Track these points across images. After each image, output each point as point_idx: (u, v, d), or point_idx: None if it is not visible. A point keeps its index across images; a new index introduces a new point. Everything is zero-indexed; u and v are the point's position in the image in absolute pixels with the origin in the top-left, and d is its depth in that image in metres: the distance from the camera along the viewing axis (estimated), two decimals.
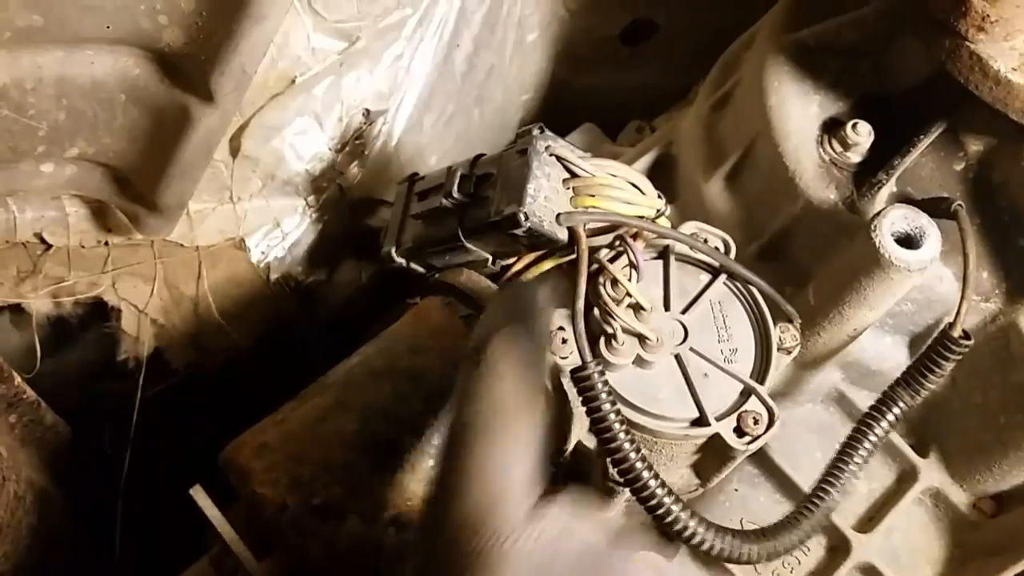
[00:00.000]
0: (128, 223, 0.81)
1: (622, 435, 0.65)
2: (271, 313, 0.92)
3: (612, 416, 0.66)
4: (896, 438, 0.89)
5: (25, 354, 0.84)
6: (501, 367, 0.53)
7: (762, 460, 0.89)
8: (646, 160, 1.02)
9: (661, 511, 0.65)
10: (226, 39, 0.64)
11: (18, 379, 0.79)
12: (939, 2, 0.67)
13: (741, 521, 0.88)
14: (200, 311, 0.87)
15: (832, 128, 0.81)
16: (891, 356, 0.86)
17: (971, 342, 0.70)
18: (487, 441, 0.52)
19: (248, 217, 0.85)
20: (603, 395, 0.66)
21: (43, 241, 0.81)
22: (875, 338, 0.85)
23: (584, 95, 1.29)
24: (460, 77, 1.01)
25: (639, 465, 0.65)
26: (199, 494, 0.64)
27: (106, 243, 0.83)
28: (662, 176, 1.02)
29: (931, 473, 0.88)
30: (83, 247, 0.83)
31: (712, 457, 0.77)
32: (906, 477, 0.90)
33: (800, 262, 0.85)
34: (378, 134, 0.92)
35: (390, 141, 0.94)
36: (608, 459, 0.66)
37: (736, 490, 0.89)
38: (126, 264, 0.83)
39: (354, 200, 0.94)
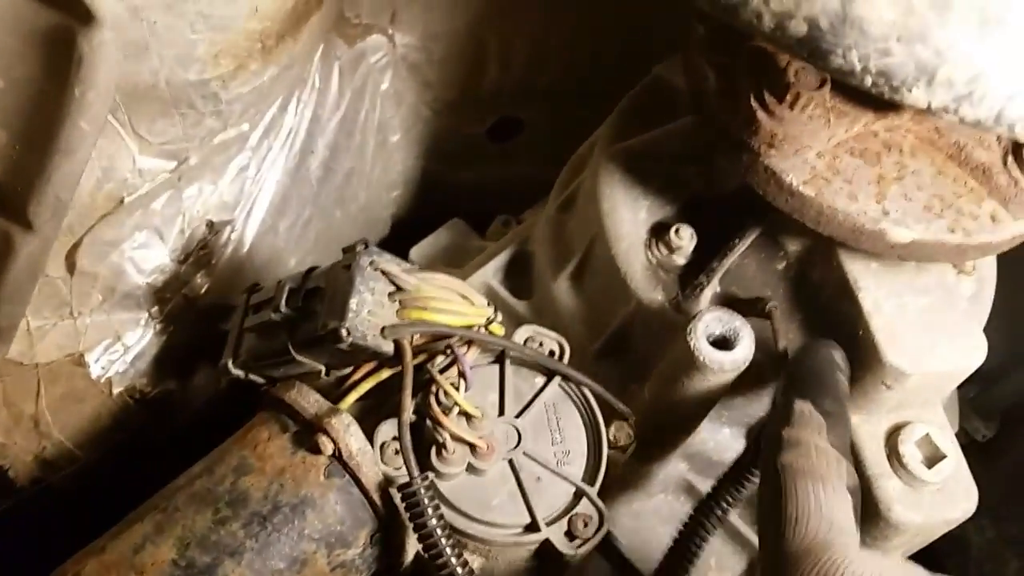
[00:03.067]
0: None
1: (448, 552, 0.66)
2: (117, 426, 0.90)
3: (438, 532, 0.66)
4: (744, 527, 0.91)
5: None
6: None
7: (612, 555, 0.90)
8: (503, 257, 1.04)
9: None
10: (39, 171, 0.65)
11: None
12: (733, 122, 0.71)
13: None
14: (41, 428, 0.86)
15: (659, 232, 0.84)
16: (731, 446, 0.88)
17: None
18: (819, 481, 0.59)
19: (88, 332, 0.85)
20: (429, 511, 0.67)
21: None
22: (713, 430, 0.87)
23: (456, 188, 1.31)
24: (316, 182, 1.03)
25: None
26: None
27: None
28: (520, 272, 1.05)
29: None
30: None
31: (549, 562, 0.78)
32: (755, 564, 0.91)
33: (639, 359, 0.87)
34: (226, 242, 0.92)
35: (241, 248, 0.95)
36: None
37: None
38: None
39: (205, 307, 0.94)
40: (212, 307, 0.95)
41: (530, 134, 1.29)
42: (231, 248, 0.93)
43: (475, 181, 1.29)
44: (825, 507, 0.57)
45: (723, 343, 0.75)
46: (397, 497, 0.69)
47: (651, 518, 0.92)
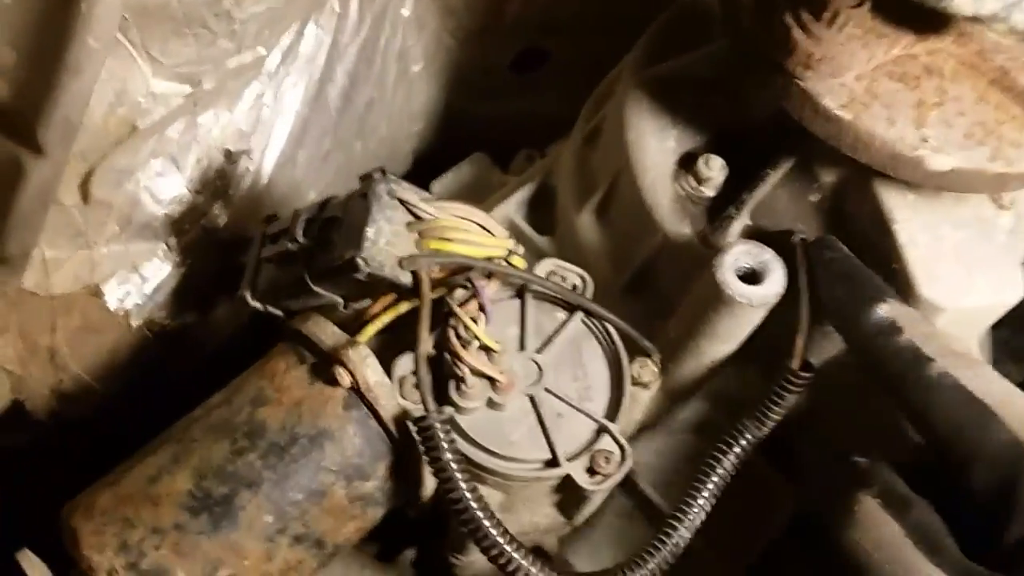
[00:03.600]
0: None
1: (463, 486, 0.65)
2: (136, 360, 0.90)
3: (452, 467, 0.65)
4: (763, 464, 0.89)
5: None
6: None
7: (635, 492, 0.89)
8: (526, 191, 1.02)
9: (505, 564, 0.65)
10: (47, 92, 0.63)
11: None
12: (769, 42, 0.68)
13: (615, 556, 0.88)
14: (57, 360, 0.85)
15: (687, 163, 0.81)
16: (755, 384, 0.86)
17: (810, 375, 0.71)
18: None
19: (105, 263, 0.83)
20: (444, 444, 0.65)
21: None
22: (739, 369, 0.85)
23: (479, 123, 1.28)
24: (336, 112, 1.00)
25: (480, 516, 0.65)
26: (25, 559, 0.63)
27: None
28: (542, 206, 1.02)
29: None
30: None
31: (570, 497, 0.77)
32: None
33: (665, 295, 0.85)
34: (244, 173, 0.90)
35: (260, 179, 0.93)
36: (455, 516, 0.66)
37: (610, 524, 0.89)
38: None
39: (224, 239, 0.92)
40: (231, 239, 0.93)
41: (555, 66, 1.25)
42: (249, 179, 0.92)
43: (498, 114, 1.26)
44: None
45: (752, 277, 0.73)
46: (413, 431, 0.68)
47: (673, 457, 0.91)
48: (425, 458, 0.66)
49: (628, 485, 0.89)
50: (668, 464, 0.91)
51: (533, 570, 0.65)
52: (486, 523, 0.64)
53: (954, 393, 0.60)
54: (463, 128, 1.26)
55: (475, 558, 0.81)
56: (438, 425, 0.66)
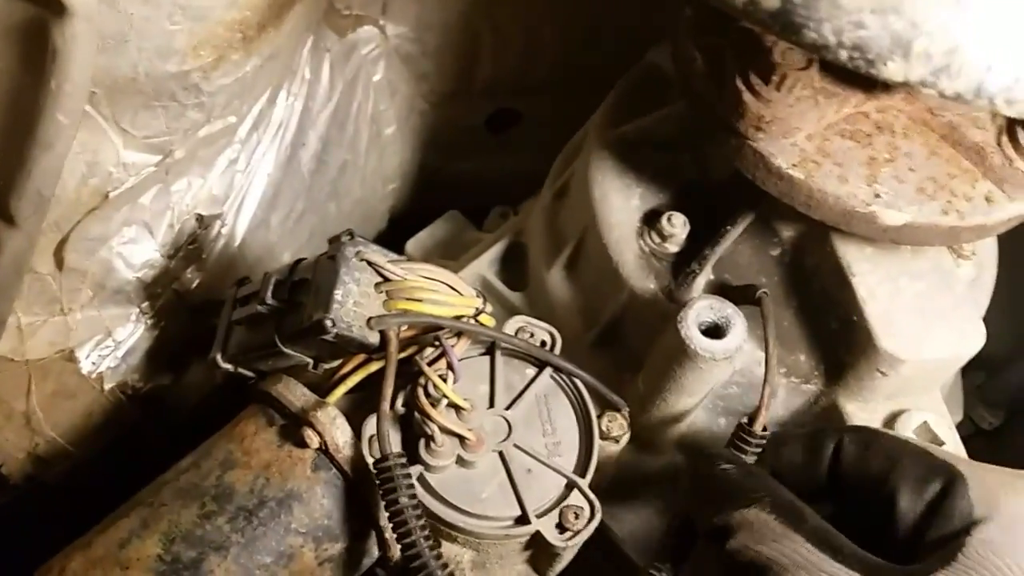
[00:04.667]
0: None
1: (417, 531, 0.65)
2: (109, 422, 0.90)
3: (408, 511, 0.65)
4: None
5: None
6: None
7: (608, 545, 0.89)
8: (498, 248, 1.04)
9: None
10: (19, 165, 0.65)
11: None
12: (721, 104, 0.70)
13: None
14: (33, 425, 0.85)
15: (651, 219, 0.83)
16: (726, 436, 0.87)
17: (766, 434, 0.71)
18: None
19: (79, 328, 0.84)
20: (402, 487, 0.65)
21: None
22: (710, 420, 0.86)
23: (454, 180, 1.30)
24: (308, 175, 1.02)
25: (434, 568, 0.64)
26: None
27: None
28: (514, 263, 1.04)
29: None
30: None
31: (541, 554, 0.77)
32: None
33: (634, 349, 0.86)
34: (216, 236, 0.92)
35: (232, 242, 0.94)
36: (407, 564, 0.65)
37: None
38: None
39: (196, 302, 0.93)
40: (203, 302, 0.94)
41: (527, 125, 1.28)
42: (222, 242, 0.93)
43: (472, 173, 1.28)
44: None
45: (715, 331, 0.74)
46: (373, 474, 0.68)
47: (646, 509, 0.91)
48: (382, 502, 0.66)
49: (601, 539, 0.89)
50: (642, 516, 0.91)
51: None
52: (434, 567, 0.64)
53: None
54: (437, 187, 1.28)
55: None
56: (396, 467, 0.66)
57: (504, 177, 1.25)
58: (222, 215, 0.91)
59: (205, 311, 0.94)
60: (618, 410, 0.80)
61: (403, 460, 0.67)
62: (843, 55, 0.48)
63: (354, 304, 0.70)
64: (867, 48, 0.46)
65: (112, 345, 0.87)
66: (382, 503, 0.67)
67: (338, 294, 0.70)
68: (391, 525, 0.65)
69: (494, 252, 1.03)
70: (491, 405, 0.77)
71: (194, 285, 0.91)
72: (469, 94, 1.20)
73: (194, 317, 0.93)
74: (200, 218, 0.89)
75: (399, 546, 0.65)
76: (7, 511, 0.92)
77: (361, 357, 0.75)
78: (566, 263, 0.92)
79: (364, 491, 0.70)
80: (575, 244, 0.91)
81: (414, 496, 0.66)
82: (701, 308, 0.74)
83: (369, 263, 0.72)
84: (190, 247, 0.89)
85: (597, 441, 0.77)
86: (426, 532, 0.65)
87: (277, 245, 1.00)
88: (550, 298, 0.93)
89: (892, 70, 0.47)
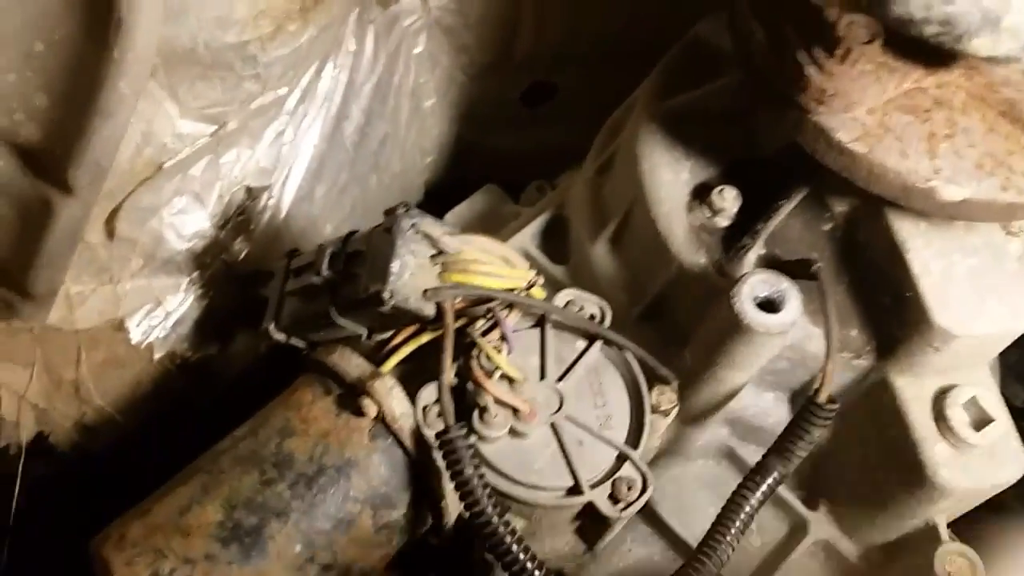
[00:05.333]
0: (3, 310, 0.80)
1: (485, 500, 0.66)
2: (158, 392, 0.91)
3: (475, 480, 0.66)
4: (786, 492, 0.90)
5: None
6: None
7: (654, 519, 0.90)
8: (540, 222, 1.03)
9: None
10: (78, 135, 0.65)
11: None
12: (782, 78, 0.70)
13: None
14: (82, 394, 0.86)
15: (702, 193, 0.83)
16: (773, 412, 0.87)
17: (836, 407, 0.71)
18: None
19: (129, 298, 0.85)
20: (466, 457, 0.66)
21: None
22: (756, 395, 0.86)
23: (490, 155, 1.30)
24: (352, 147, 1.02)
25: (504, 534, 0.65)
26: None
27: None
28: (555, 237, 1.03)
29: (821, 526, 0.89)
30: None
31: (592, 523, 0.78)
32: (797, 530, 0.90)
33: (681, 323, 0.86)
34: (264, 208, 0.92)
35: (279, 214, 0.95)
36: (476, 530, 0.66)
37: (630, 550, 0.90)
38: (4, 351, 0.82)
39: (243, 273, 0.94)
40: (250, 273, 0.94)
41: (564, 99, 1.27)
42: (268, 214, 0.93)
43: (509, 147, 1.28)
44: None
45: (769, 306, 0.74)
46: (435, 447, 0.68)
47: (691, 483, 0.92)
48: (447, 473, 0.67)
49: (647, 512, 0.90)
50: (685, 491, 0.92)
51: None
52: (507, 537, 0.65)
53: None
54: (475, 161, 1.28)
55: None
56: (459, 439, 0.66)
57: (539, 151, 1.24)
58: (269, 187, 0.91)
59: (252, 282, 0.95)
60: (667, 383, 0.81)
61: (464, 431, 0.68)
62: (929, 30, 0.48)
63: (410, 276, 0.71)
64: (956, 23, 0.46)
65: (161, 315, 0.87)
66: (446, 474, 0.68)
67: (395, 266, 0.70)
68: (458, 495, 0.66)
69: (536, 225, 1.02)
70: (542, 377, 0.78)
71: (242, 256, 0.91)
72: (508, 66, 1.19)
73: (241, 288, 0.94)
74: (249, 190, 0.89)
75: (468, 514, 0.65)
76: (54, 481, 0.93)
77: (412, 328, 0.75)
78: (611, 237, 0.92)
79: (420, 460, 0.71)
80: (621, 218, 0.90)
81: (479, 466, 0.66)
82: (756, 282, 0.74)
83: (425, 235, 0.72)
84: (239, 218, 0.89)
85: (648, 414, 0.77)
86: (493, 500, 0.65)
87: (320, 217, 1.01)
88: (594, 272, 0.93)
89: (978, 45, 0.46)
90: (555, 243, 1.04)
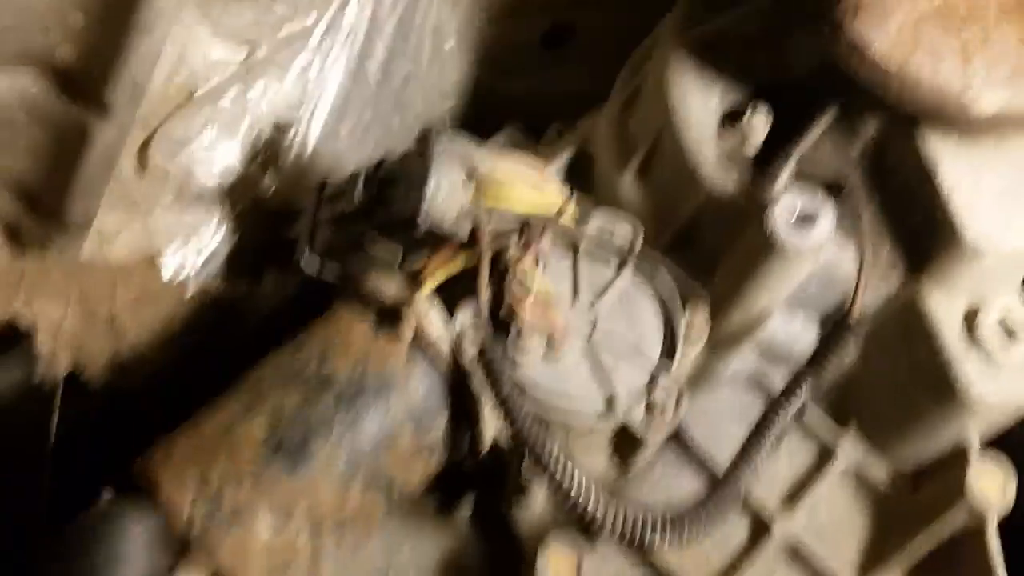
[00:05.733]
0: (38, 243, 0.81)
1: (523, 416, 0.66)
2: (191, 328, 0.91)
3: (513, 398, 0.67)
4: (816, 415, 0.91)
5: None
6: None
7: (684, 445, 0.90)
8: (563, 159, 1.03)
9: (573, 501, 0.66)
10: (115, 52, 0.65)
11: None
12: None
13: (665, 507, 0.89)
14: (116, 329, 0.86)
15: (731, 119, 0.83)
16: (803, 336, 0.88)
17: (868, 324, 0.72)
18: None
19: (161, 233, 0.85)
20: (504, 377, 0.67)
21: None
22: (786, 320, 0.87)
23: (509, 99, 1.30)
24: (375, 85, 1.02)
25: (547, 453, 0.66)
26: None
27: (17, 264, 0.82)
28: (578, 175, 1.04)
29: (851, 449, 0.90)
30: None
31: (626, 445, 0.79)
32: (826, 454, 0.91)
33: (709, 251, 0.86)
34: (291, 144, 0.92)
35: (305, 151, 0.95)
36: (517, 448, 0.67)
37: (660, 476, 0.90)
38: (39, 285, 0.83)
39: (271, 211, 0.94)
40: (279, 211, 0.95)
41: (584, 41, 1.26)
42: (295, 151, 0.93)
43: (528, 91, 1.27)
44: None
45: (802, 224, 0.74)
46: (474, 365, 0.69)
47: (720, 412, 0.92)
48: (485, 394, 0.68)
49: (677, 439, 0.90)
50: (714, 419, 0.92)
51: (605, 511, 0.66)
52: (548, 453, 0.66)
53: None
54: (492, 106, 1.28)
55: (534, 507, 0.83)
56: (497, 359, 0.67)
57: (558, 96, 1.23)
58: (296, 122, 0.91)
59: (280, 220, 0.95)
60: (699, 306, 0.81)
61: (502, 352, 0.68)
62: None
63: (444, 197, 0.71)
64: None
65: (193, 251, 0.88)
66: (484, 394, 0.68)
67: (429, 187, 0.70)
68: (497, 413, 0.67)
69: (559, 163, 1.03)
70: (575, 301, 0.78)
71: (270, 193, 0.92)
72: (526, 7, 1.19)
73: (269, 225, 0.94)
74: (277, 124, 0.89)
75: (508, 433, 0.66)
76: (86, 419, 0.94)
77: (447, 254, 0.76)
78: (638, 169, 0.92)
79: (457, 382, 0.72)
80: (648, 148, 0.90)
81: (516, 384, 0.67)
82: (788, 200, 0.74)
83: (458, 156, 0.73)
84: (267, 154, 0.90)
85: (681, 335, 0.78)
86: (532, 416, 0.66)
87: (345, 156, 1.01)
88: (620, 206, 0.93)
89: None
90: (579, 181, 1.04)
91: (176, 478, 0.65)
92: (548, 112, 1.19)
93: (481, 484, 0.83)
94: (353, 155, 1.03)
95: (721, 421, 0.92)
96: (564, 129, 1.20)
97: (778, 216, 0.74)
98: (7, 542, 0.87)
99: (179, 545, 0.64)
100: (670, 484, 0.91)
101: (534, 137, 1.20)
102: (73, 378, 0.89)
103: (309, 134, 0.95)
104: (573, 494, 0.66)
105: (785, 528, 0.87)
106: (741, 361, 0.90)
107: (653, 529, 0.68)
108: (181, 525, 0.63)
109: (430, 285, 0.74)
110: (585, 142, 1.05)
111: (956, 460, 0.84)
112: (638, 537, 0.67)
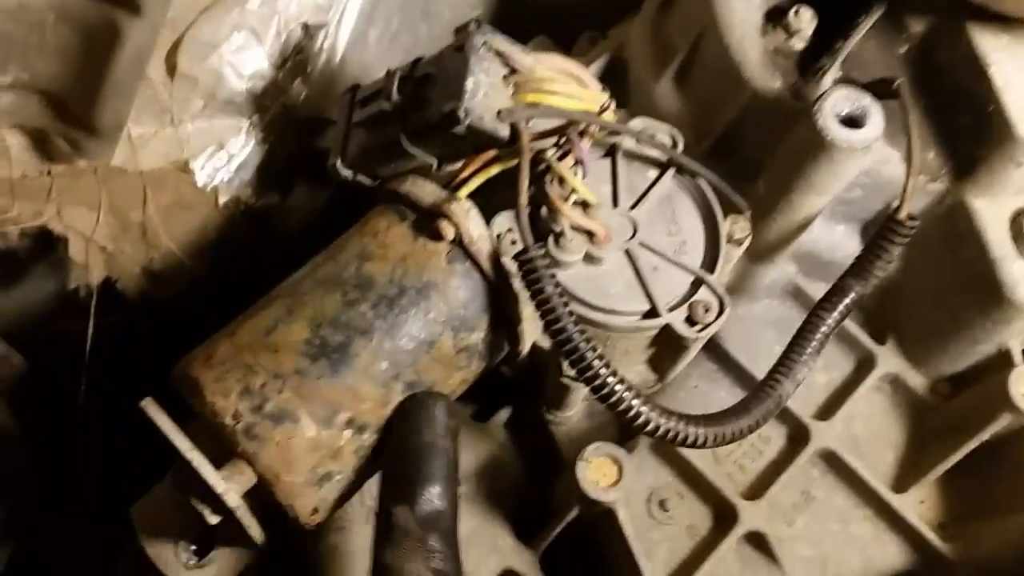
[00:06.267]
0: (69, 149, 0.79)
1: (566, 317, 0.65)
2: (224, 238, 0.90)
3: (556, 298, 0.65)
4: (853, 326, 0.90)
5: None
6: None
7: (720, 355, 0.90)
8: (597, 65, 1.01)
9: (612, 396, 0.65)
10: None
11: None
12: None
13: None
14: (149, 237, 0.86)
15: (776, 16, 0.80)
16: (844, 245, 0.86)
17: (917, 223, 0.71)
18: None
19: (191, 139, 0.84)
20: (546, 277, 0.66)
21: None
22: (827, 228, 0.86)
23: (538, 8, 1.26)
24: None
25: (586, 350, 0.65)
26: (151, 406, 0.64)
27: (48, 172, 0.81)
28: (613, 81, 1.00)
29: (889, 359, 0.90)
30: (26, 177, 0.81)
31: (666, 349, 0.78)
32: (864, 364, 0.91)
33: (750, 155, 0.84)
34: (320, 49, 0.90)
35: (334, 57, 0.93)
36: (558, 349, 0.66)
37: (696, 387, 0.90)
38: (70, 192, 0.82)
39: (301, 119, 0.92)
40: (308, 120, 0.93)
41: None
42: (325, 56, 0.91)
43: (556, 0, 1.24)
44: None
45: (850, 122, 0.72)
46: (514, 267, 0.68)
47: (757, 322, 0.92)
48: (526, 296, 0.67)
49: (713, 347, 0.90)
50: (751, 330, 0.91)
51: (645, 410, 0.66)
52: (595, 361, 0.65)
53: None
54: (523, 14, 1.24)
55: (571, 414, 0.83)
56: (539, 259, 0.66)
57: (586, 4, 1.21)
58: (326, 24, 0.88)
59: (309, 129, 0.94)
60: (741, 211, 0.80)
61: (544, 252, 0.67)
62: None
63: (484, 95, 0.69)
64: None
65: (225, 158, 0.86)
66: (525, 296, 0.67)
67: (469, 84, 0.68)
68: (539, 314, 0.66)
69: (594, 69, 1.00)
70: (615, 205, 0.77)
71: (300, 99, 0.90)
72: None
73: (299, 134, 0.92)
74: (306, 27, 0.87)
75: (549, 334, 0.65)
76: (121, 329, 0.93)
77: (484, 158, 0.74)
78: (676, 73, 0.90)
79: (498, 284, 0.71)
80: (687, 51, 0.88)
81: (558, 285, 0.66)
82: (838, 98, 0.72)
83: (498, 53, 0.71)
84: (296, 57, 0.88)
85: (724, 239, 0.76)
86: (574, 318, 0.65)
87: (374, 64, 0.98)
88: (658, 111, 0.91)
89: None
90: (613, 88, 1.02)
91: (219, 380, 0.64)
92: (578, 21, 1.17)
93: (518, 389, 0.83)
94: (381, 63, 1.01)
95: (758, 332, 0.92)
96: (596, 37, 1.17)
97: (827, 113, 0.72)
98: (42, 450, 0.88)
99: (223, 444, 0.63)
100: (706, 393, 0.91)
101: (564, 46, 1.18)
102: (109, 286, 0.89)
103: (338, 39, 0.92)
104: (615, 396, 0.65)
105: (822, 437, 0.87)
106: (780, 271, 0.89)
107: (693, 426, 0.68)
108: (227, 425, 0.63)
109: (469, 187, 0.72)
110: (619, 49, 1.02)
111: (998, 365, 0.84)
112: (679, 436, 0.67)
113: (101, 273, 0.85)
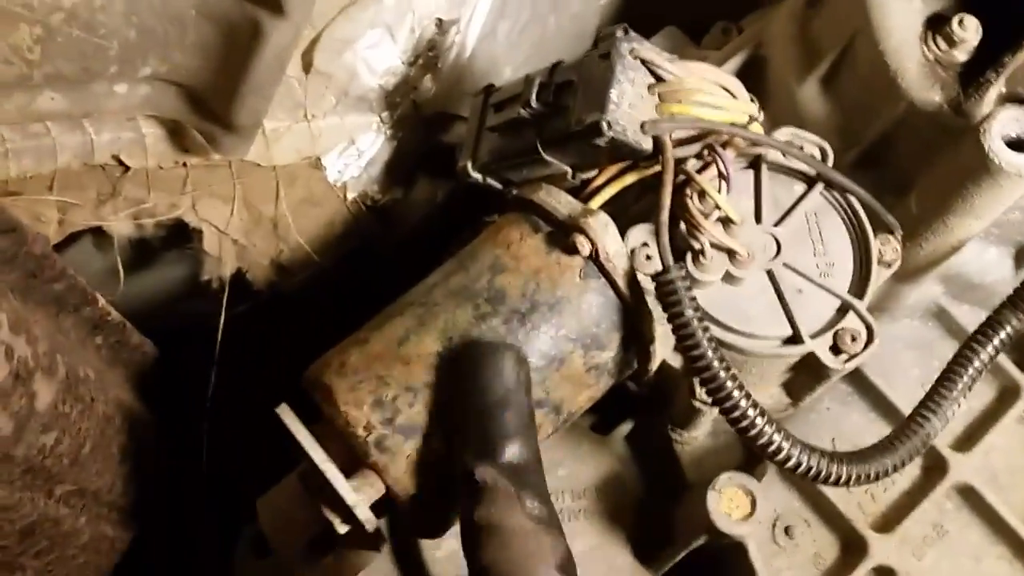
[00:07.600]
0: (204, 143, 0.80)
1: (706, 344, 0.63)
2: (350, 232, 0.90)
3: (695, 323, 0.63)
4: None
5: (108, 276, 0.84)
6: None
7: (856, 378, 0.86)
8: (734, 63, 0.96)
9: (750, 429, 0.63)
10: None
11: (102, 301, 0.80)
12: None
13: (832, 440, 0.85)
14: (280, 231, 0.86)
15: (937, 24, 0.75)
16: (995, 269, 0.82)
17: None
18: None
19: (323, 135, 0.84)
20: (686, 300, 0.63)
21: (121, 163, 0.80)
22: (979, 250, 0.81)
23: None
24: None
25: (725, 378, 0.62)
26: (286, 413, 0.64)
27: (184, 164, 0.82)
28: (751, 80, 0.95)
29: None
30: (161, 168, 0.82)
31: (805, 376, 0.75)
32: (1008, 395, 0.86)
33: (901, 169, 0.80)
34: (451, 45, 0.88)
35: (464, 52, 0.91)
36: (694, 375, 0.64)
37: (828, 408, 0.86)
38: (204, 185, 0.83)
39: (428, 116, 0.91)
40: (435, 116, 0.92)
41: None
42: (455, 52, 0.90)
43: None
44: None
45: (1018, 145, 0.67)
46: (651, 287, 0.65)
47: (896, 343, 0.87)
48: (661, 316, 0.64)
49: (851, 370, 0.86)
50: (890, 351, 0.87)
51: (783, 442, 0.63)
52: (732, 387, 0.62)
53: None
54: (649, 2, 1.20)
55: (697, 434, 0.80)
56: (679, 280, 0.63)
57: None
58: (458, 21, 0.87)
59: (436, 125, 0.92)
60: (892, 232, 0.75)
61: (684, 272, 0.64)
62: None
63: (629, 106, 0.66)
64: None
65: (355, 154, 0.86)
66: (659, 317, 0.65)
67: (614, 94, 0.66)
68: (676, 337, 0.63)
69: (730, 67, 0.96)
70: (758, 221, 0.73)
71: (430, 95, 0.89)
72: None
73: (426, 131, 0.91)
74: (440, 22, 0.86)
75: (685, 357, 0.63)
76: (248, 317, 0.95)
77: (617, 168, 0.71)
78: (823, 76, 0.85)
79: (632, 302, 0.68)
80: (837, 54, 0.83)
81: (698, 308, 0.63)
82: (1007, 119, 0.67)
83: (643, 61, 0.68)
84: (429, 53, 0.86)
85: (876, 262, 0.72)
86: (714, 344, 0.62)
87: (502, 58, 0.96)
88: (801, 115, 0.87)
89: None
90: (750, 86, 0.98)
91: (352, 389, 0.64)
92: (708, 10, 1.12)
93: (641, 403, 0.81)
94: (509, 57, 0.99)
95: (897, 354, 0.87)
96: (729, 28, 1.12)
97: (995, 134, 0.67)
98: (178, 439, 0.90)
99: (353, 453, 0.63)
100: (839, 416, 0.87)
101: (695, 37, 1.13)
102: (240, 278, 0.90)
103: (468, 34, 0.90)
104: (754, 429, 0.62)
105: (961, 470, 0.83)
106: (925, 292, 0.84)
107: (836, 464, 0.64)
108: (359, 435, 0.62)
109: (601, 200, 0.70)
110: (758, 44, 0.97)
111: None
112: (821, 474, 0.64)
113: (234, 265, 0.86)
